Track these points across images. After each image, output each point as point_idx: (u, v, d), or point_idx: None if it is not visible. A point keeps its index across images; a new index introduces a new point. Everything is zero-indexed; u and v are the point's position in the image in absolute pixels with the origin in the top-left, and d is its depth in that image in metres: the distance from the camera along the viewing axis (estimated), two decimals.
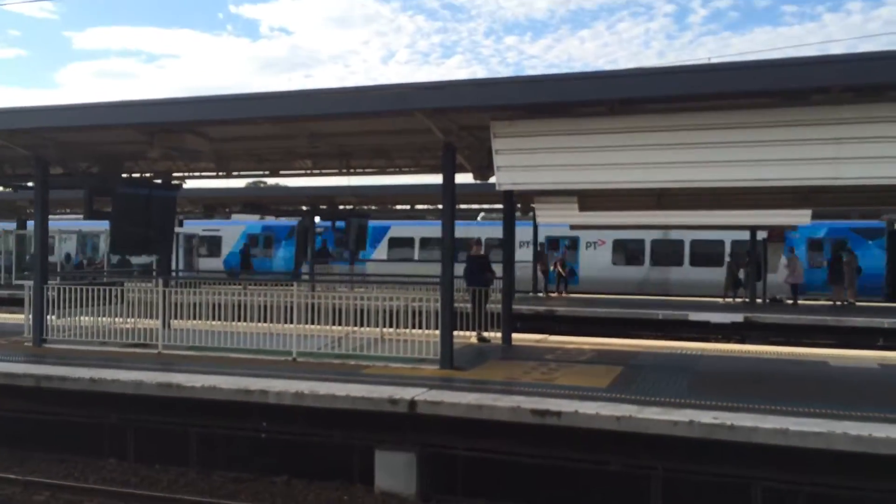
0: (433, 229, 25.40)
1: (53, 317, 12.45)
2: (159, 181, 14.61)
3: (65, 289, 12.33)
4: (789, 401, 8.07)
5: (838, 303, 22.34)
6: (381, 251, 31.18)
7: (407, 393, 8.41)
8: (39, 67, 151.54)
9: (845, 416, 7.41)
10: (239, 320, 11.91)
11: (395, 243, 31.36)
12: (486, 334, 13.34)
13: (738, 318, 18.92)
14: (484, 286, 13.50)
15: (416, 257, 29.65)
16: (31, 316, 12.53)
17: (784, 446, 6.95)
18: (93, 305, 12.29)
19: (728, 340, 17.56)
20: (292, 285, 12.56)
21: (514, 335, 13.40)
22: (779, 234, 23.00)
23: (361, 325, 11.80)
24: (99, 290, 12.37)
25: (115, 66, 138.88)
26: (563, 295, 25.37)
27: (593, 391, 8.65)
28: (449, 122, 10.03)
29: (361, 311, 11.81)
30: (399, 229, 31.42)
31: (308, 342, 11.25)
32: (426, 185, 20.79)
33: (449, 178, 10.40)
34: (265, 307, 11.65)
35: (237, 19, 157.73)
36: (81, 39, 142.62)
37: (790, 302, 22.58)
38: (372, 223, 27.57)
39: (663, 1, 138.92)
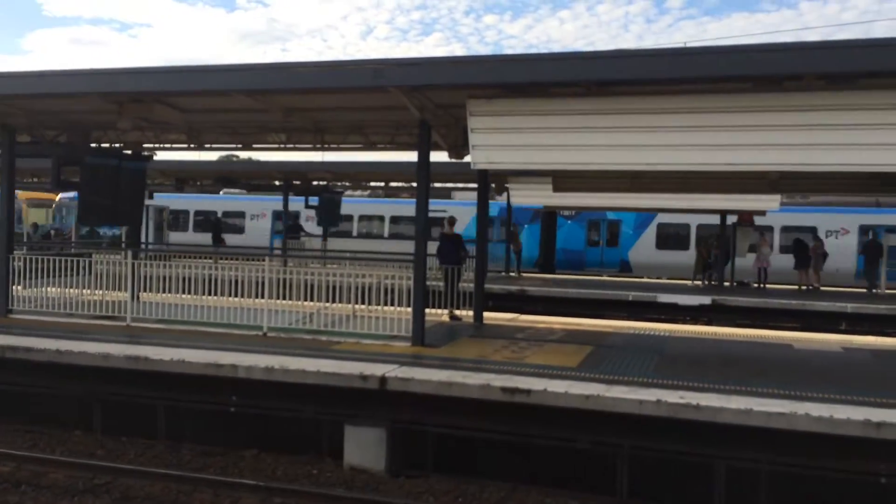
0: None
1: (19, 287, 12.25)
2: (129, 152, 14.36)
3: (31, 259, 12.13)
4: (754, 382, 8.24)
5: (804, 287, 22.73)
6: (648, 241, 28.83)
7: (378, 369, 8.42)
8: (5, 33, 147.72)
9: (808, 397, 7.59)
10: (209, 294, 11.81)
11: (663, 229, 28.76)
12: (458, 312, 13.39)
13: (706, 300, 19.20)
14: (457, 265, 13.52)
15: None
16: None
17: (748, 426, 7.09)
18: (60, 276, 12.11)
19: (696, 322, 17.82)
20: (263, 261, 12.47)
21: (486, 314, 13.46)
22: (748, 218, 23.30)
23: (333, 301, 11.77)
24: (66, 260, 12.18)
25: (86, 33, 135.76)
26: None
27: (563, 370, 8.74)
28: (425, 100, 9.97)
29: (333, 287, 11.77)
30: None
31: (279, 317, 11.20)
32: (401, 162, 20.67)
33: (424, 156, 10.34)
34: (236, 282, 11.56)
35: None
36: (52, 5, 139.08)
37: (756, 285, 22.95)
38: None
39: None
